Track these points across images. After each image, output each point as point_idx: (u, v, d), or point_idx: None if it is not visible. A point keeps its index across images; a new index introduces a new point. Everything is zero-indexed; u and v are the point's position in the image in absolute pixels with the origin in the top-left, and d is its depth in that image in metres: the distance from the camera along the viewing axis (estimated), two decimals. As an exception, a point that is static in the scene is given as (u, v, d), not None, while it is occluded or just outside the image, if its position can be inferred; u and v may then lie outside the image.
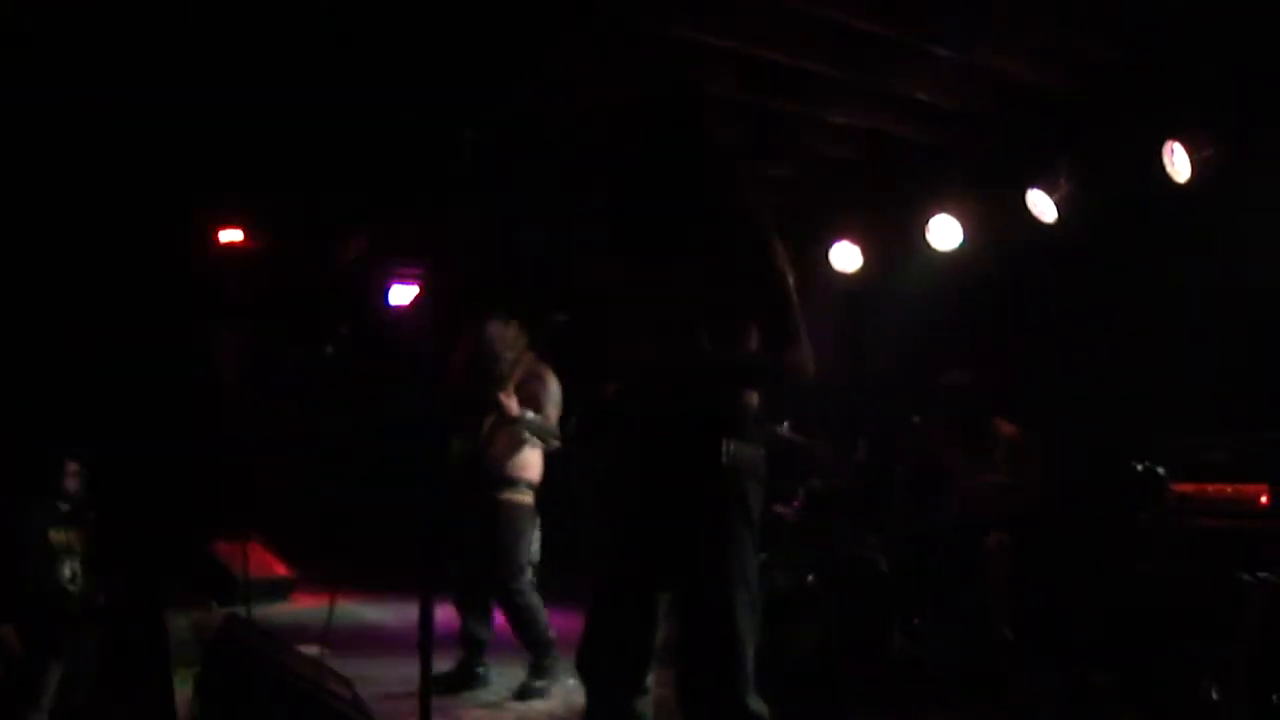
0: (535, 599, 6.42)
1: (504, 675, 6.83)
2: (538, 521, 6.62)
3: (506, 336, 6.47)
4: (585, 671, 3.39)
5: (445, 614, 7.52)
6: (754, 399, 3.42)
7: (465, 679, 6.47)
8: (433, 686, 5.61)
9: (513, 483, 6.46)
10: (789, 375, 3.38)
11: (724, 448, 3.28)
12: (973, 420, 7.11)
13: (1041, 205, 7.45)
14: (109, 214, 8.87)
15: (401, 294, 10.87)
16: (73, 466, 6.81)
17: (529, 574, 6.47)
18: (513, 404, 6.22)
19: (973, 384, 7.13)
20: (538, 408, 6.37)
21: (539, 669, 6.37)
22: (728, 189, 3.52)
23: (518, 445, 6.46)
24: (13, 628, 6.26)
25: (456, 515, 6.43)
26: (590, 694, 3.40)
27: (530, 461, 6.53)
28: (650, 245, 3.48)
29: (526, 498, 6.52)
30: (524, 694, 6.29)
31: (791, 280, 3.41)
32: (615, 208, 3.62)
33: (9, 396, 8.61)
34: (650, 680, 3.37)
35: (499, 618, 6.59)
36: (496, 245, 9.07)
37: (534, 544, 6.63)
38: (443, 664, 6.71)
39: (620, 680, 3.35)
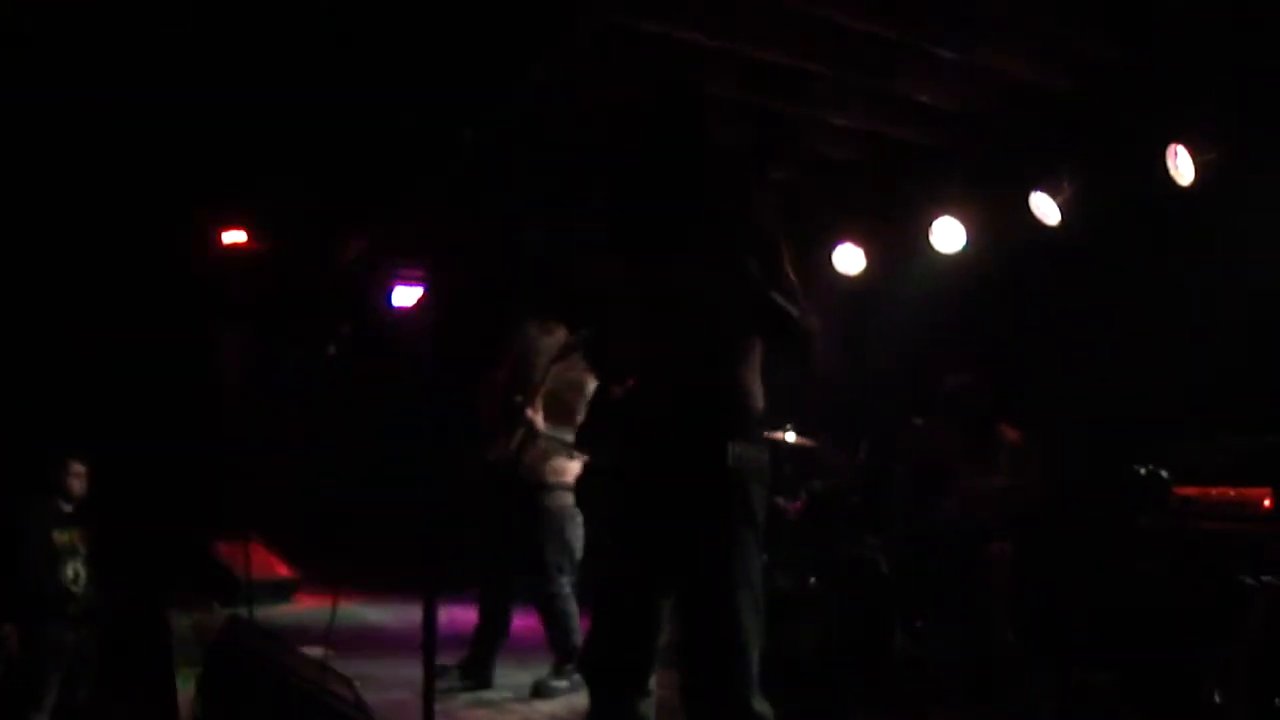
0: (571, 604, 6.47)
1: (507, 676, 6.84)
2: (580, 521, 6.63)
3: (541, 343, 6.46)
4: (588, 672, 3.40)
5: (448, 615, 7.56)
6: (759, 402, 3.41)
7: (477, 676, 6.49)
8: (448, 678, 5.70)
9: (549, 488, 6.47)
10: (809, 337, 3.35)
11: (729, 450, 3.27)
12: (977, 422, 7.11)
13: (1044, 208, 7.44)
14: (110, 214, 8.88)
15: (404, 295, 10.88)
16: (77, 468, 6.81)
17: (566, 577, 6.51)
18: (537, 419, 6.23)
19: (977, 385, 7.13)
20: (572, 418, 6.37)
21: (560, 671, 6.40)
22: (730, 189, 3.51)
23: (551, 452, 6.47)
24: (14, 627, 6.27)
25: (486, 518, 6.50)
26: (593, 695, 3.39)
27: (566, 466, 6.55)
28: (651, 245, 3.47)
29: (564, 500, 6.54)
30: (540, 691, 6.32)
31: (794, 280, 3.40)
32: (616, 208, 3.61)
33: (11, 397, 8.61)
34: (653, 682, 3.37)
35: (514, 620, 6.65)
36: (497, 245, 9.08)
37: (577, 542, 6.64)
38: (447, 664, 6.74)
39: (623, 681, 3.34)
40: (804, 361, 3.40)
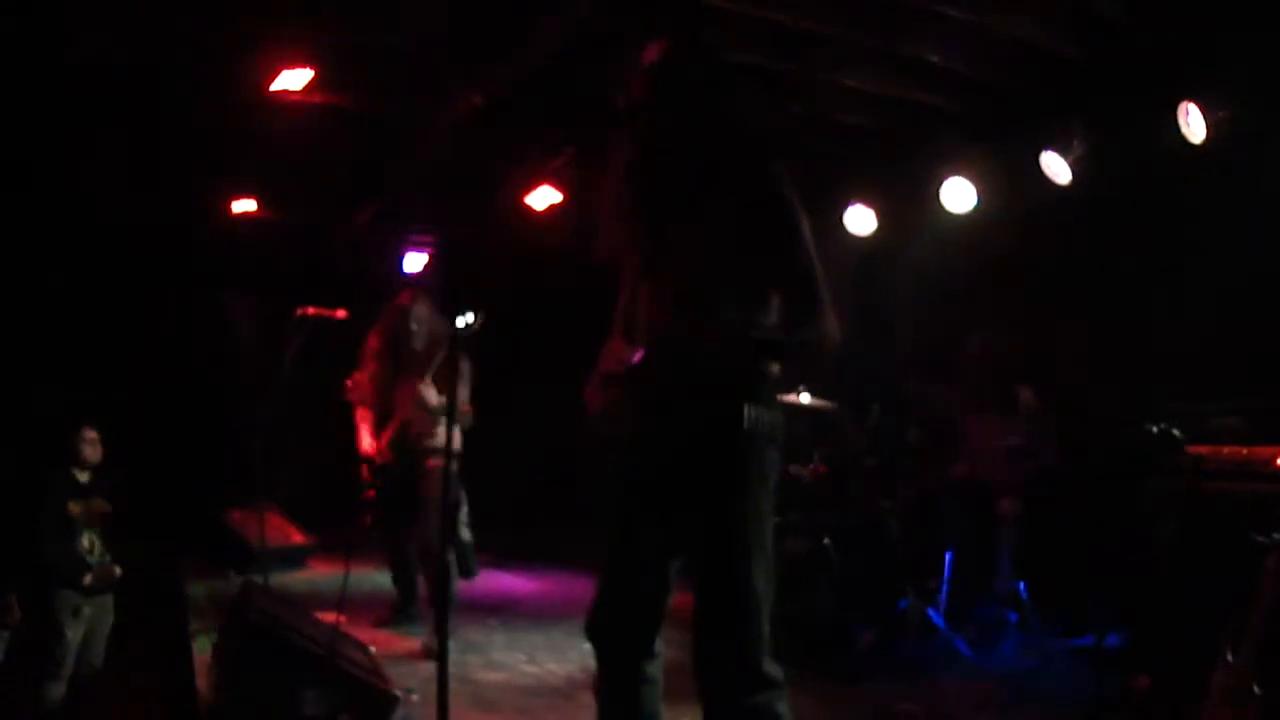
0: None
1: (520, 638, 6.89)
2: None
3: (423, 316, 7.13)
4: (595, 636, 3.40)
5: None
6: (774, 365, 3.40)
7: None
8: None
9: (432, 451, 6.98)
10: (817, 348, 3.33)
11: (745, 414, 3.27)
12: (998, 382, 7.10)
13: (1055, 167, 7.40)
14: (121, 183, 8.88)
15: (414, 261, 10.89)
16: (91, 434, 6.81)
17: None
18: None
19: (1001, 344, 7.13)
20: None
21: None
22: (751, 156, 3.48)
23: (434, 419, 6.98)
24: (14, 597, 6.28)
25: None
26: (601, 658, 3.41)
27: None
28: (670, 212, 3.45)
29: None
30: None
31: (814, 250, 3.38)
32: (633, 173, 3.58)
33: (25, 367, 8.63)
34: (659, 644, 3.38)
35: (527, 583, 6.86)
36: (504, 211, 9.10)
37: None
38: (459, 628, 6.82)
39: (631, 644, 3.36)
40: (815, 367, 3.41)
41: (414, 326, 7.09)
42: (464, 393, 6.89)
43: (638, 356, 3.39)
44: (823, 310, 3.30)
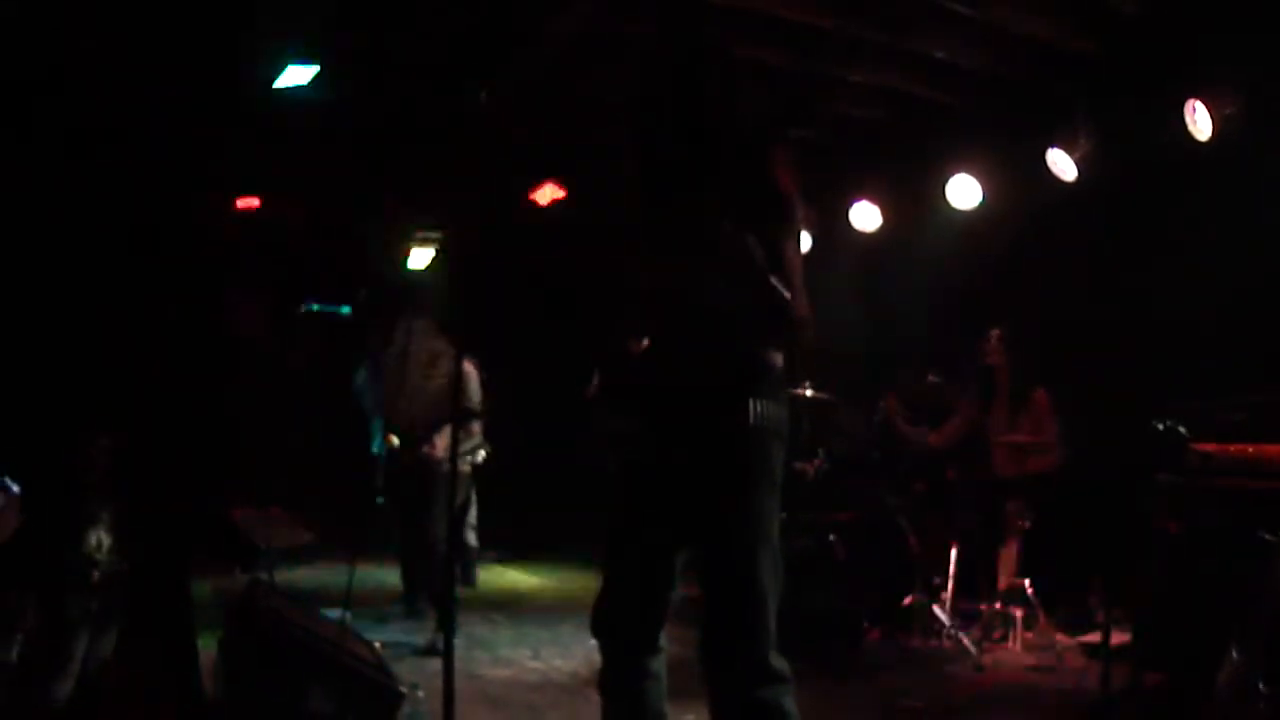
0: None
1: (526, 634, 6.89)
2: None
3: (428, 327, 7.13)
4: (600, 632, 3.39)
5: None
6: (779, 358, 3.39)
7: None
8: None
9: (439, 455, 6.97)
10: (799, 325, 3.32)
11: (751, 407, 3.26)
12: (1012, 380, 7.09)
13: (1061, 164, 7.40)
14: (125, 183, 8.87)
15: (420, 257, 10.88)
16: (102, 440, 6.84)
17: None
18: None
19: (1012, 344, 7.12)
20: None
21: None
22: (756, 153, 3.47)
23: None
24: (27, 600, 6.29)
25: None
26: (606, 653, 3.40)
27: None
28: (675, 209, 3.44)
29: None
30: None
31: (803, 243, 3.36)
32: (639, 170, 3.58)
33: (29, 368, 8.63)
34: (664, 639, 3.37)
35: (532, 579, 6.84)
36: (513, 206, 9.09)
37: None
38: (465, 624, 6.81)
39: (636, 640, 3.35)
40: (789, 345, 3.39)
41: (414, 335, 7.10)
42: (474, 392, 7.09)
43: (642, 351, 3.39)
44: (798, 294, 3.28)
